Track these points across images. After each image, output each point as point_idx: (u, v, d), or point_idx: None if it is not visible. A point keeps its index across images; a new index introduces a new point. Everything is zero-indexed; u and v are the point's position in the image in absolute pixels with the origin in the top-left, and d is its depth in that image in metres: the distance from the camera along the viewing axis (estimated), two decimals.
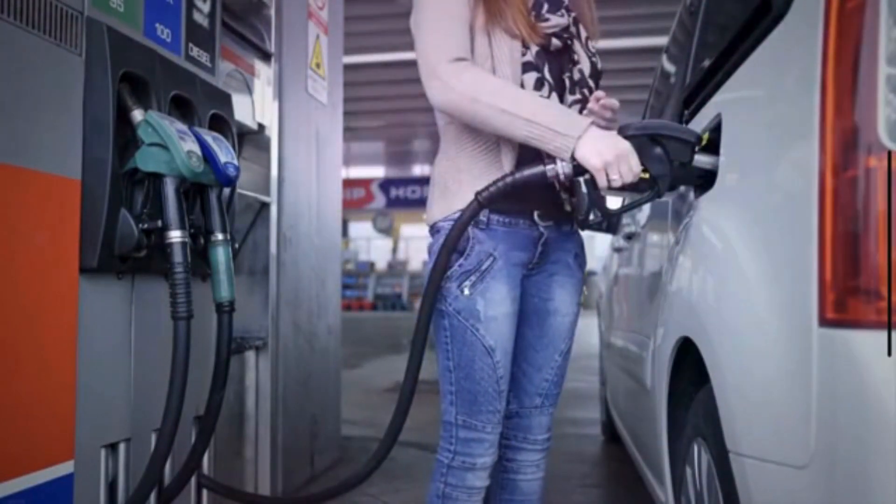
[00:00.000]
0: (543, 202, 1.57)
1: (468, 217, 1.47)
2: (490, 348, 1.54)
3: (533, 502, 1.74)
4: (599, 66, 1.63)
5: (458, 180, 1.56)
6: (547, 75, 1.54)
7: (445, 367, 1.58)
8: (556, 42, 1.57)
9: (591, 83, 1.60)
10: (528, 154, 1.49)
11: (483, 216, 1.53)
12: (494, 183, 1.44)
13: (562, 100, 1.55)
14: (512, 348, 1.59)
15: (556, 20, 1.57)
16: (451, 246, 1.50)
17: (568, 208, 1.58)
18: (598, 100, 1.54)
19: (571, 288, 1.68)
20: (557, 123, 1.41)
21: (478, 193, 1.45)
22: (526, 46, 1.54)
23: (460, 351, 1.55)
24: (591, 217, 1.54)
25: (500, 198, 1.45)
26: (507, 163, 1.51)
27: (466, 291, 1.53)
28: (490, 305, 1.53)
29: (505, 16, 1.51)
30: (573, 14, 1.62)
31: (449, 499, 1.59)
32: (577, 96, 1.57)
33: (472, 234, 1.53)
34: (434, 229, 1.60)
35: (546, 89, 1.53)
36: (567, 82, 1.57)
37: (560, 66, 1.58)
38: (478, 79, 1.45)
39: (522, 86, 1.52)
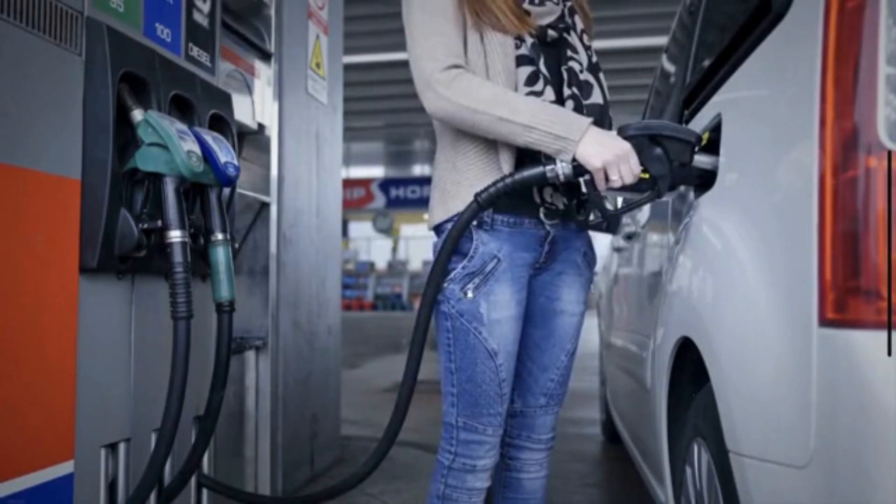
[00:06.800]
0: (537, 203, 1.56)
1: (467, 218, 1.46)
2: (493, 352, 1.53)
3: (536, 501, 1.73)
4: (594, 59, 1.60)
5: (457, 181, 1.55)
6: (542, 68, 1.51)
7: (447, 369, 1.57)
8: (551, 33, 1.54)
9: (589, 77, 1.56)
10: (529, 154, 1.48)
11: (487, 216, 1.51)
12: (494, 184, 1.44)
13: (560, 93, 1.52)
14: (516, 350, 1.58)
15: (551, 6, 1.55)
16: (450, 247, 1.49)
17: (561, 206, 1.57)
18: None
19: (579, 287, 1.67)
20: (557, 127, 1.40)
21: (477, 195, 1.44)
22: (521, 39, 1.52)
23: (462, 353, 1.54)
24: (592, 217, 1.54)
25: (500, 199, 1.45)
26: (506, 164, 1.50)
27: (470, 294, 1.51)
28: (493, 308, 1.52)
29: (490, 12, 1.49)
30: (569, 4, 1.61)
31: (449, 500, 1.59)
32: (575, 89, 1.53)
33: (476, 235, 1.52)
34: (439, 230, 1.59)
35: (541, 83, 1.50)
36: (565, 74, 1.53)
37: (557, 57, 1.55)
38: (472, 88, 1.44)
39: (516, 81, 1.50)
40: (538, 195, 1.55)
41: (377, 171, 23.33)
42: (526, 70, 1.51)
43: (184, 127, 1.64)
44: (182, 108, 1.75)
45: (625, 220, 2.76)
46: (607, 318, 3.63)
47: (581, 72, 1.55)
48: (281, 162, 2.85)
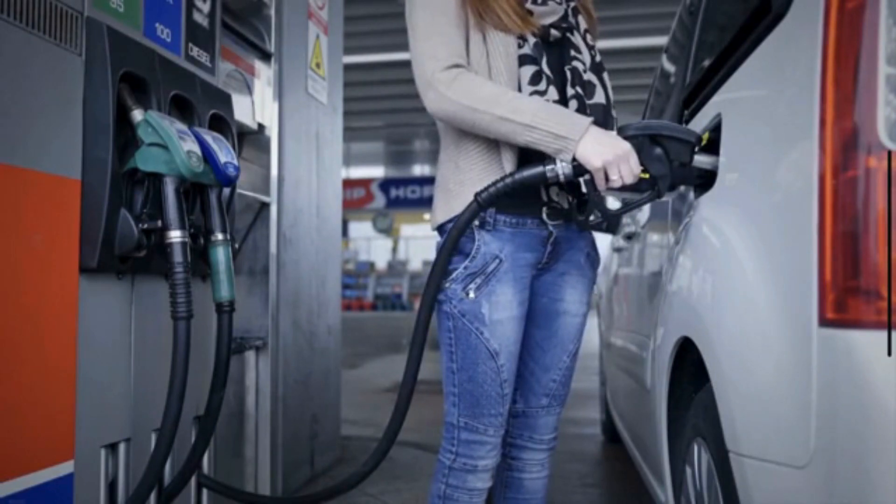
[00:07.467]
0: (543, 202, 1.56)
1: (467, 218, 1.46)
2: (494, 352, 1.53)
3: (537, 501, 1.73)
4: (598, 58, 1.60)
5: (460, 181, 1.55)
6: (545, 68, 1.51)
7: (449, 369, 1.57)
8: (554, 33, 1.54)
9: (592, 76, 1.56)
10: (532, 153, 1.47)
11: (489, 217, 1.51)
12: (494, 184, 1.43)
13: (563, 92, 1.52)
14: (517, 351, 1.58)
15: (554, 6, 1.55)
16: (450, 247, 1.49)
17: (566, 206, 1.57)
18: None
19: (582, 288, 1.66)
20: (557, 126, 1.40)
21: (477, 194, 1.44)
22: (523, 39, 1.51)
23: (464, 354, 1.54)
24: (592, 217, 1.54)
25: (500, 198, 1.45)
26: (508, 163, 1.50)
27: (472, 294, 1.51)
28: (495, 309, 1.52)
29: (493, 12, 1.49)
30: (572, 4, 1.61)
31: (450, 499, 1.59)
32: (578, 89, 1.53)
33: (478, 235, 1.52)
34: (442, 230, 1.59)
35: (544, 83, 1.50)
36: (569, 74, 1.53)
37: (560, 57, 1.55)
38: (473, 87, 1.44)
39: (519, 80, 1.50)
40: (545, 194, 1.55)
41: (377, 171, 23.33)
42: (529, 69, 1.50)
43: (184, 127, 1.64)
44: (182, 108, 1.76)
45: (625, 220, 2.76)
46: (607, 318, 3.63)
47: (584, 71, 1.55)
48: (281, 162, 2.85)
